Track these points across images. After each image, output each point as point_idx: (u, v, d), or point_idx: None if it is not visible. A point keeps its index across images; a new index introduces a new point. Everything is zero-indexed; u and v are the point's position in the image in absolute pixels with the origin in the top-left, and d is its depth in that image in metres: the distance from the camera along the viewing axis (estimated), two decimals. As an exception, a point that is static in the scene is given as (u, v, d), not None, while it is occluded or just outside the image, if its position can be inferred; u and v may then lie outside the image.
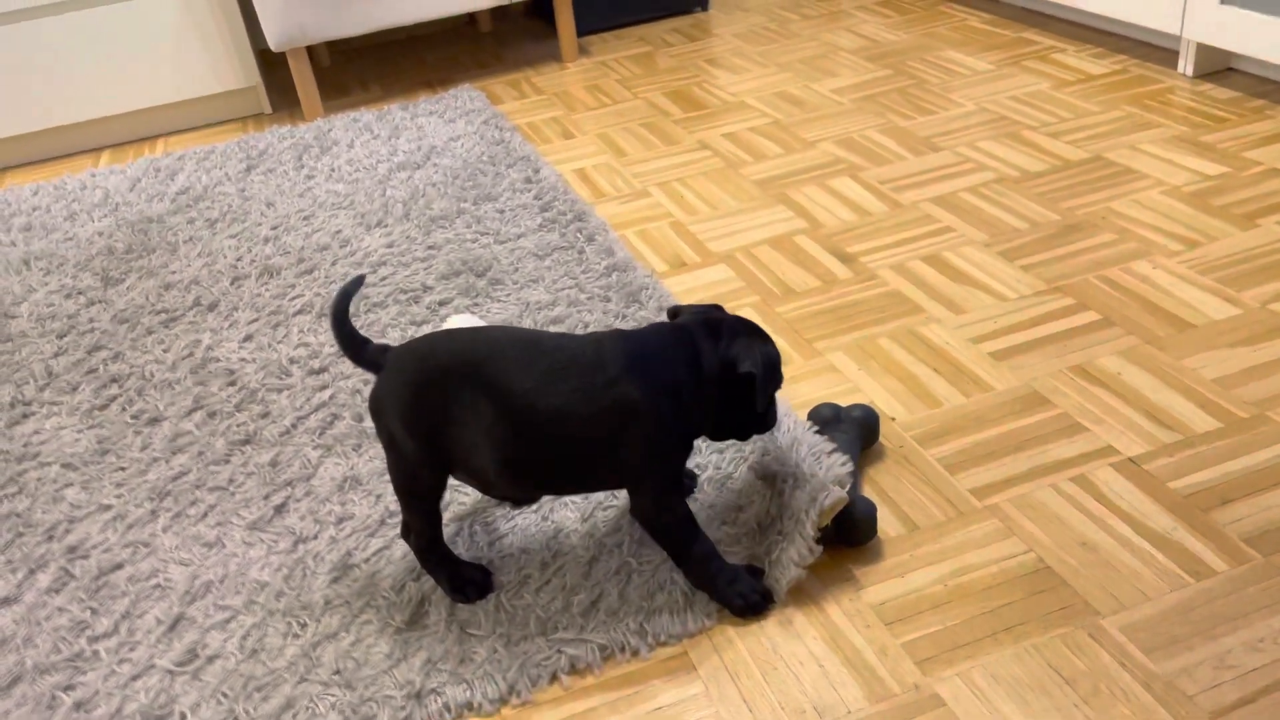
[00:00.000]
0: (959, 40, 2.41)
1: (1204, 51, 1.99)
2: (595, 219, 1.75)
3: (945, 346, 1.35)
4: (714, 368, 0.98)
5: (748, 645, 0.97)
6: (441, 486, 1.01)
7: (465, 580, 1.04)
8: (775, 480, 1.10)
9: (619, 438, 0.95)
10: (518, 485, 1.01)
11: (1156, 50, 2.17)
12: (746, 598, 0.99)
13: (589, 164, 2.03)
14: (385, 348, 1.01)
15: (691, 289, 1.55)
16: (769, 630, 0.98)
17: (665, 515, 0.98)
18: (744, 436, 1.05)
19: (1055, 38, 2.33)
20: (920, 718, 0.88)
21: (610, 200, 1.86)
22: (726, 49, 2.58)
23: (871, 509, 1.04)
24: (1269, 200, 1.56)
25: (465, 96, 2.37)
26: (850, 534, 1.04)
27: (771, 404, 1.05)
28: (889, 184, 1.78)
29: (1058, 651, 0.92)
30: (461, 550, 1.10)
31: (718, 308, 1.05)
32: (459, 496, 1.17)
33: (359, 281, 1.03)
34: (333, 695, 0.96)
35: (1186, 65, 2.02)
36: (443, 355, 0.96)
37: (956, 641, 0.94)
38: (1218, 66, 2.02)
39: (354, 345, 1.01)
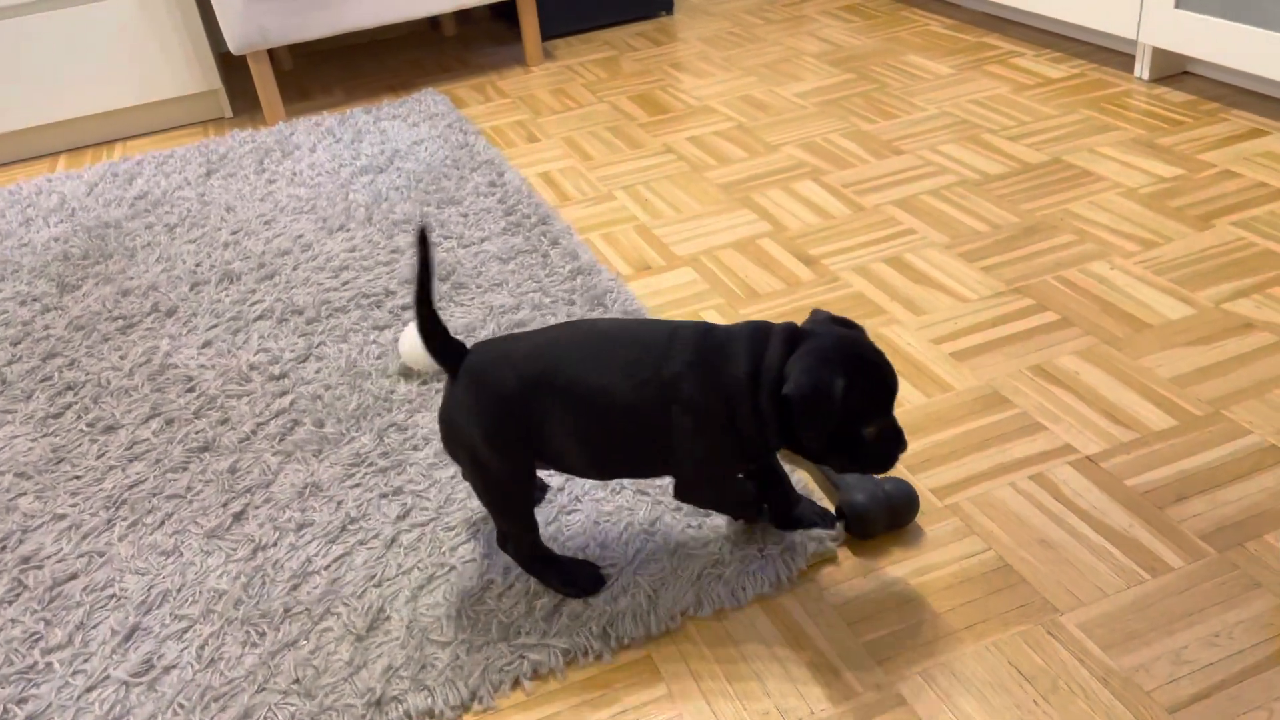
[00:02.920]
0: (921, 45, 2.43)
1: (1160, 55, 2.02)
2: (560, 223, 1.75)
3: (907, 348, 1.35)
4: (771, 381, 0.89)
5: (711, 647, 0.97)
6: (532, 491, 1.00)
7: (577, 575, 1.02)
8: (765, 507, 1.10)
9: (671, 430, 0.92)
10: (608, 475, 0.99)
11: (1113, 54, 2.20)
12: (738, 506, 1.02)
13: (554, 167, 2.02)
14: (462, 351, 0.96)
15: (656, 292, 1.55)
16: (732, 632, 0.98)
17: (693, 486, 0.98)
18: (840, 467, 0.93)
19: (1015, 42, 2.36)
20: (882, 717, 0.88)
21: (575, 204, 1.86)
22: (691, 53, 2.59)
23: (906, 493, 1.05)
24: (1223, 202, 1.59)
25: (429, 100, 2.36)
26: (876, 525, 1.04)
27: (852, 439, 0.90)
28: (852, 187, 1.79)
29: (1017, 649, 0.93)
30: (423, 555, 1.09)
31: (850, 323, 0.95)
32: (420, 501, 1.16)
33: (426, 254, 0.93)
34: (292, 704, 0.94)
35: (1143, 69, 2.05)
36: (519, 367, 0.93)
37: (918, 641, 0.95)
38: (1173, 70, 2.05)
39: (437, 336, 0.95)
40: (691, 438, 0.92)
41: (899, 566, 1.02)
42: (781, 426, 0.90)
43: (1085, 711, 0.87)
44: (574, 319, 1.00)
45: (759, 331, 0.92)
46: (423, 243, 0.90)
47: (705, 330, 0.93)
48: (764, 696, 0.91)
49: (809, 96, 2.21)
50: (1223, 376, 1.22)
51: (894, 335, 1.38)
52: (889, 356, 1.34)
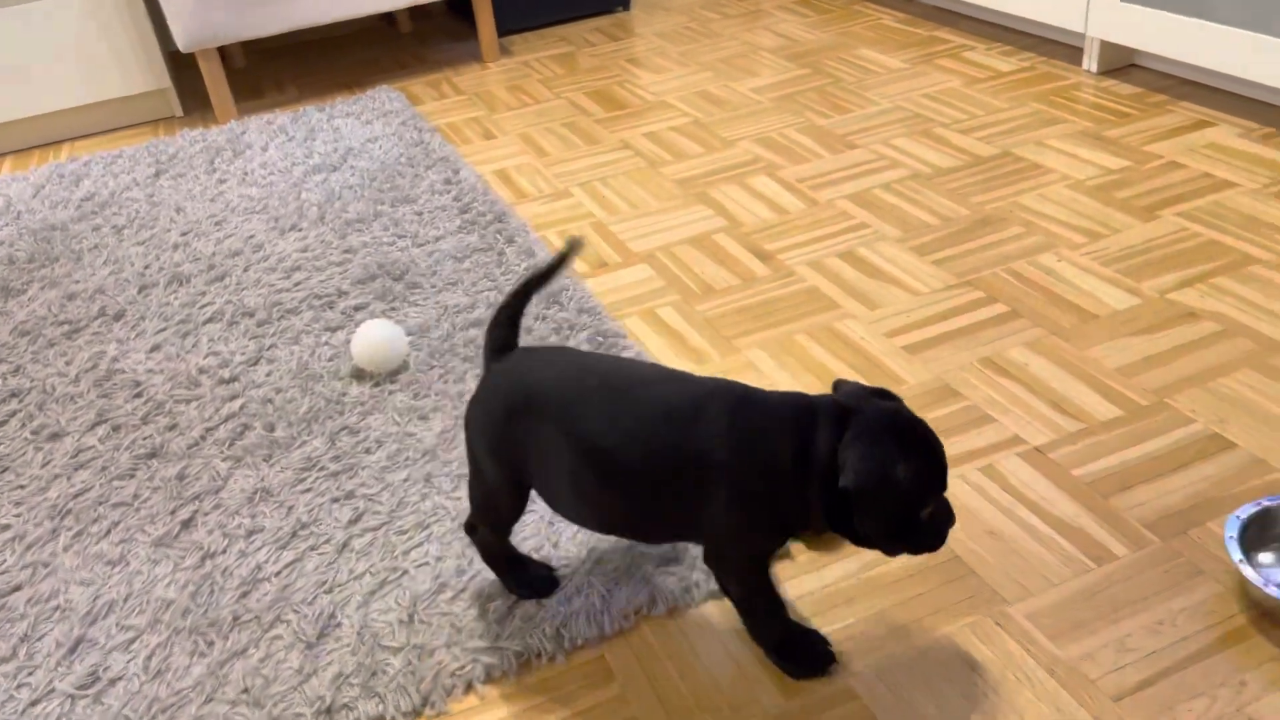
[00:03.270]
0: (874, 39, 2.44)
1: (1107, 49, 2.05)
2: (516, 220, 1.74)
3: (860, 341, 1.36)
4: (821, 466, 0.81)
5: (665, 647, 0.97)
6: (520, 511, 0.96)
7: (533, 578, 1.02)
8: None
9: (701, 504, 0.84)
10: (600, 528, 0.92)
11: (1062, 47, 2.22)
12: (800, 664, 0.92)
13: (510, 164, 2.01)
14: (507, 350, 0.94)
15: (613, 289, 1.55)
16: (686, 630, 0.98)
17: (741, 591, 0.91)
18: (890, 551, 0.85)
19: (966, 36, 2.37)
20: (833, 711, 0.89)
21: (531, 201, 1.85)
22: (648, 48, 2.58)
23: None
24: (1168, 193, 1.61)
25: (383, 97, 2.34)
26: None
27: (909, 524, 0.83)
28: (806, 182, 1.80)
29: (966, 640, 0.94)
30: (375, 560, 1.08)
31: (883, 392, 0.86)
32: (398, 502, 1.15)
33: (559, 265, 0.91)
34: (240, 714, 0.93)
35: (1091, 62, 2.07)
36: (534, 387, 0.89)
37: (869, 634, 0.95)
38: (1120, 63, 2.08)
39: (505, 331, 0.94)
40: (725, 512, 0.84)
41: (850, 561, 1.03)
42: (830, 513, 0.83)
43: (1032, 701, 0.88)
44: (605, 354, 0.97)
45: (802, 409, 0.84)
46: (563, 258, 0.92)
47: (741, 401, 0.85)
48: (717, 693, 0.92)
49: (764, 91, 2.22)
50: (1167, 366, 1.24)
51: (847, 330, 1.39)
52: (844, 350, 1.35)
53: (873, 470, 0.79)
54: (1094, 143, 1.80)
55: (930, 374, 1.28)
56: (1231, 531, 0.95)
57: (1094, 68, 2.07)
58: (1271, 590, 0.89)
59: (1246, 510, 0.97)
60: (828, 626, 0.96)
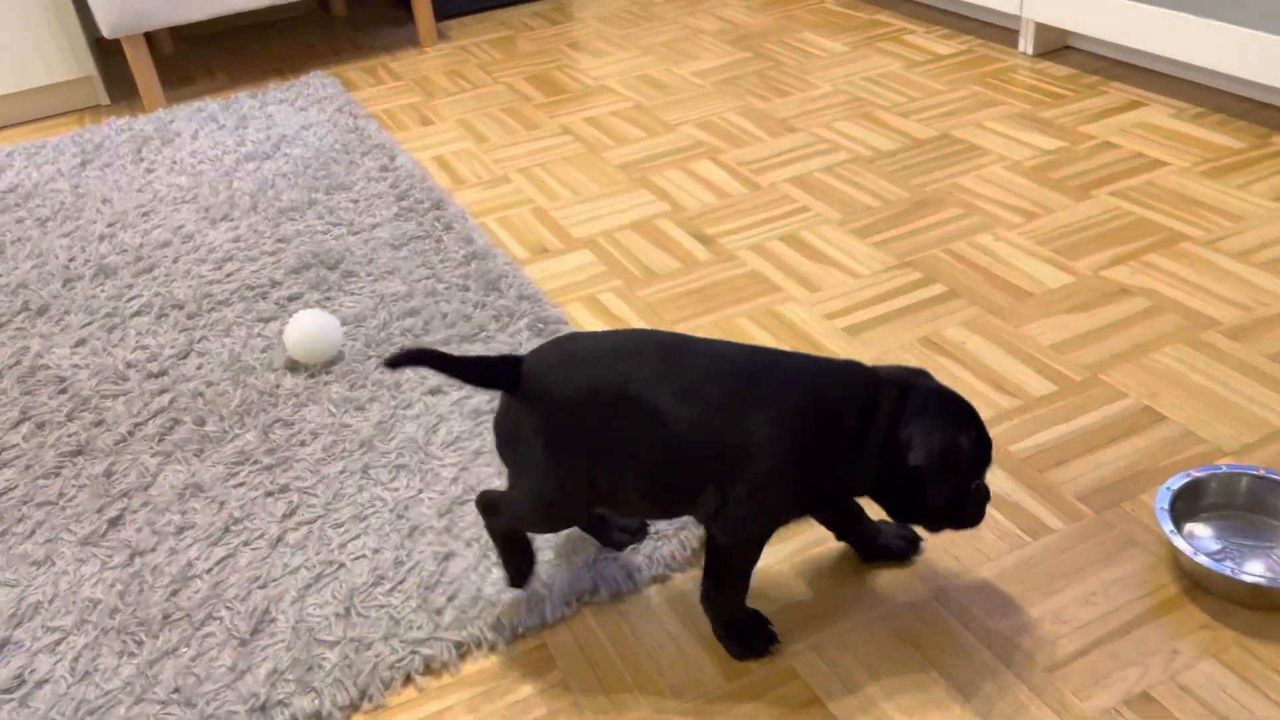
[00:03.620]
0: (815, 23, 2.44)
1: (1043, 31, 2.07)
2: (454, 207, 1.71)
3: (801, 324, 1.36)
4: (879, 445, 0.83)
5: (607, 632, 0.96)
6: (579, 522, 0.92)
7: (753, 637, 0.92)
8: None
9: (734, 470, 0.84)
10: (663, 511, 0.90)
11: (999, 30, 2.24)
12: (745, 645, 0.92)
13: (448, 150, 1.98)
14: (516, 362, 0.87)
15: (554, 275, 1.53)
16: (628, 614, 0.97)
17: (732, 560, 0.90)
18: (932, 527, 0.90)
19: (906, 19, 2.39)
20: (775, 691, 0.89)
21: (470, 187, 1.83)
22: (588, 32, 2.56)
23: None
24: (1102, 172, 1.63)
25: (318, 83, 2.29)
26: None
27: (963, 498, 0.87)
28: (748, 165, 1.80)
29: (905, 618, 0.94)
30: (311, 553, 1.06)
31: (923, 373, 0.88)
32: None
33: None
34: (172, 715, 0.91)
35: (1027, 44, 2.09)
36: (590, 377, 0.84)
37: (808, 615, 0.95)
38: (1056, 45, 2.10)
39: (481, 368, 0.86)
40: (768, 482, 0.84)
41: (789, 543, 1.03)
42: (887, 489, 0.86)
43: (970, 674, 0.88)
44: (647, 330, 0.91)
45: (869, 385, 0.85)
46: (398, 362, 0.84)
47: (803, 368, 0.85)
48: (659, 677, 0.91)
49: (706, 75, 2.21)
50: (1100, 342, 1.26)
51: (789, 313, 1.39)
52: (785, 333, 1.35)
53: (943, 445, 0.82)
54: (1030, 124, 1.82)
55: (870, 355, 1.29)
56: (1162, 503, 0.97)
57: (1030, 50, 2.09)
58: (1201, 560, 0.91)
59: (1176, 481, 0.99)
60: (768, 607, 0.96)
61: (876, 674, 0.89)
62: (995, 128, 1.82)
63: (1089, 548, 0.99)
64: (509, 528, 0.95)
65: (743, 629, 0.93)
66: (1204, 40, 1.73)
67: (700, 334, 1.36)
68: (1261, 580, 0.89)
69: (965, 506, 0.88)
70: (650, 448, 0.83)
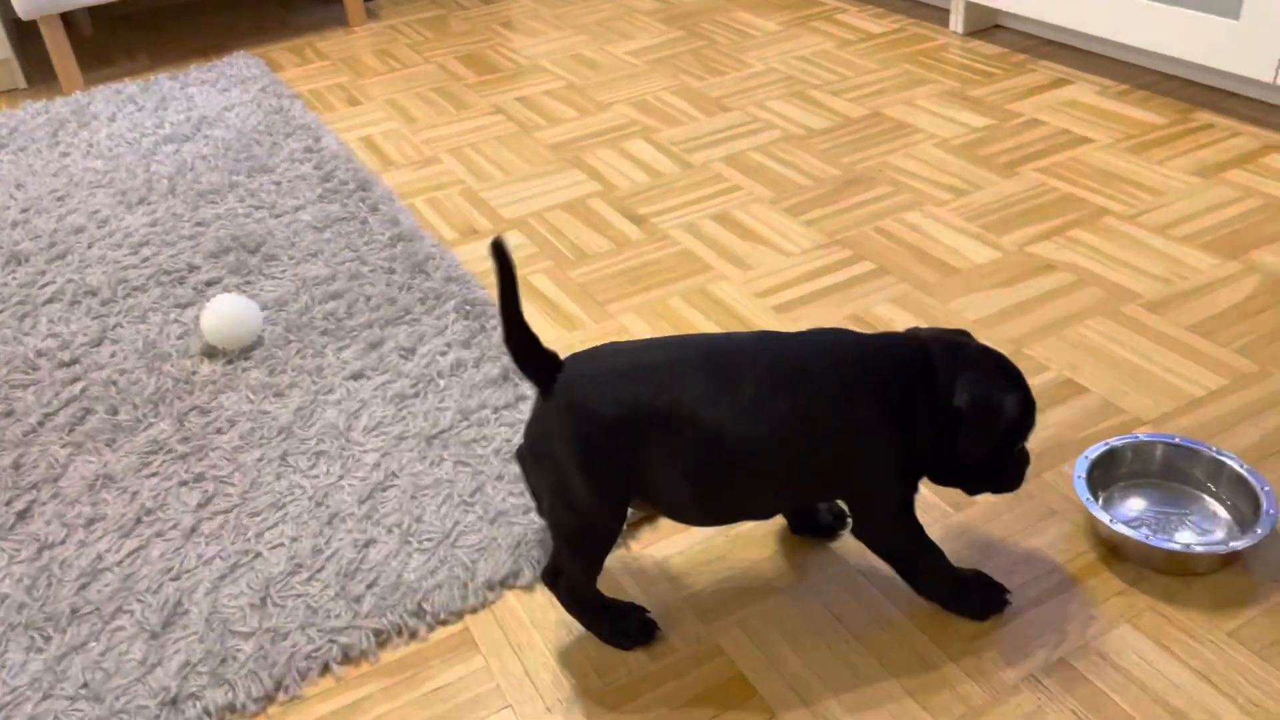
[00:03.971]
0: (749, 2, 2.43)
1: (972, 10, 2.08)
2: (381, 188, 1.68)
3: (733, 302, 1.36)
4: (945, 400, 0.82)
5: (531, 615, 0.95)
6: (617, 535, 0.87)
7: (628, 624, 0.91)
8: None
9: (845, 461, 0.82)
10: (722, 519, 0.87)
11: (930, 9, 2.25)
12: (982, 606, 0.90)
13: (376, 131, 1.94)
14: (555, 364, 0.83)
15: (483, 256, 1.51)
16: (553, 598, 0.96)
17: (898, 546, 0.88)
18: (970, 489, 0.88)
19: (840, -2, 2.39)
20: (700, 669, 0.88)
21: (398, 168, 1.79)
22: (521, 11, 2.53)
23: None
24: (1028, 149, 1.65)
25: (241, 64, 2.23)
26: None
27: (1004, 459, 0.87)
28: (681, 145, 1.78)
29: (830, 591, 0.94)
30: (226, 543, 1.03)
31: (964, 333, 0.88)
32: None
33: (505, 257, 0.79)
34: (80, 710, 0.88)
35: (957, 23, 2.11)
36: (629, 390, 0.80)
37: (734, 591, 0.95)
38: (985, 24, 2.12)
39: (526, 348, 0.81)
40: (868, 466, 0.83)
41: (718, 519, 1.02)
42: (937, 447, 0.84)
43: (893, 644, 0.88)
44: (673, 336, 0.88)
45: (915, 347, 0.84)
46: (501, 254, 0.78)
47: (847, 343, 0.84)
48: (583, 659, 0.90)
49: (640, 54, 2.19)
50: (1024, 316, 1.27)
51: (720, 291, 1.38)
52: (716, 312, 1.34)
53: (987, 396, 0.82)
54: (959, 102, 1.83)
55: (799, 331, 1.28)
56: (1080, 472, 0.98)
57: (960, 29, 2.10)
58: (1117, 527, 0.92)
59: (1094, 451, 1.00)
60: (696, 586, 0.96)
61: (801, 649, 0.89)
62: (925, 106, 1.83)
63: (1011, 519, 1.00)
64: (578, 587, 0.89)
65: (967, 589, 0.90)
66: (1129, 18, 1.75)
67: (633, 315, 1.35)
68: (1175, 546, 0.91)
69: (1007, 468, 0.87)
70: (709, 462, 0.80)
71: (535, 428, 0.84)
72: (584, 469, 0.81)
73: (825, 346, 0.84)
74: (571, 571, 0.88)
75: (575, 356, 0.84)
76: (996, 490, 0.88)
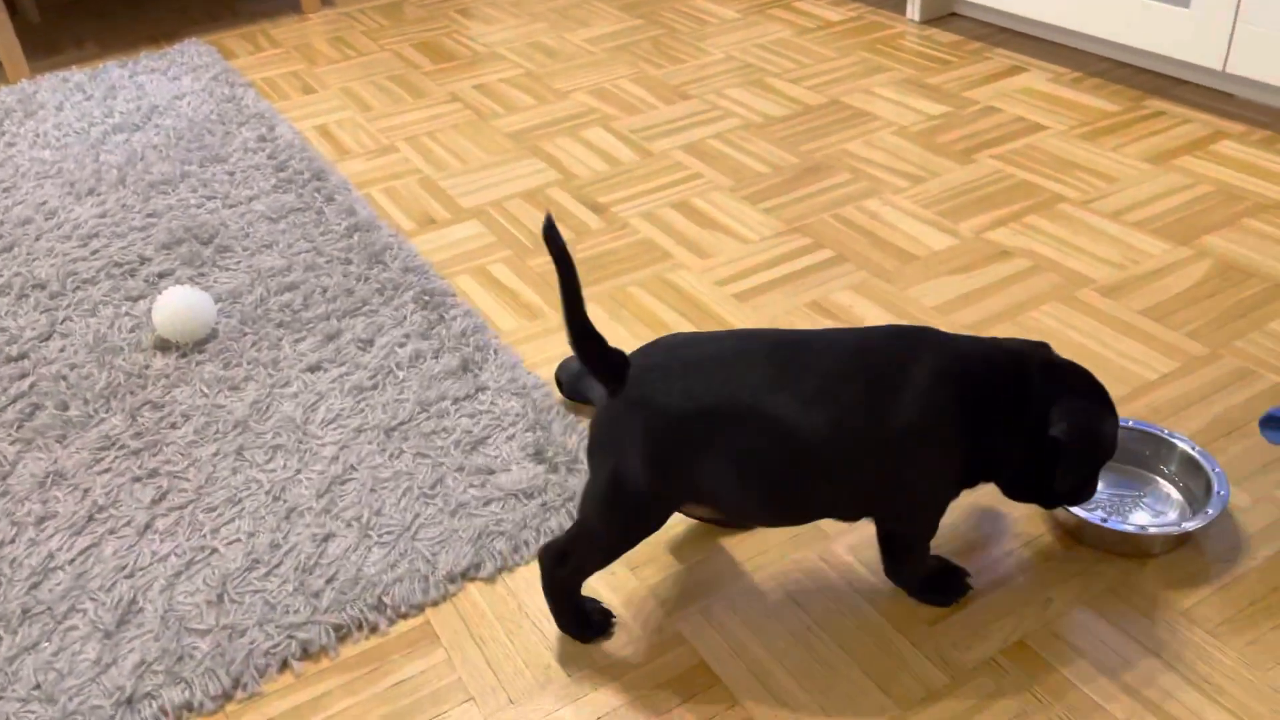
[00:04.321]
0: (708, -11, 2.43)
1: (929, -2, 2.09)
2: (336, 177, 1.65)
3: (692, 291, 1.36)
4: (1035, 421, 0.81)
5: (493, 607, 0.94)
6: (652, 533, 0.85)
7: (589, 615, 0.90)
8: (549, 459, 1.07)
9: (910, 460, 0.80)
10: (785, 517, 0.85)
11: (888, -3, 2.27)
12: (947, 594, 0.91)
13: (331, 120, 1.91)
14: (623, 361, 0.80)
15: (441, 246, 1.49)
16: (515, 589, 0.96)
17: (918, 541, 0.88)
18: (1047, 504, 0.88)
19: (798, -14, 2.39)
20: (662, 657, 0.88)
21: (354, 157, 1.77)
22: (479, -1, 2.50)
23: None
24: (984, 136, 1.66)
25: (192, 51, 2.18)
26: None
27: (1088, 480, 0.86)
28: (640, 133, 1.78)
29: (791, 578, 0.94)
30: (181, 539, 1.01)
31: (1045, 345, 0.86)
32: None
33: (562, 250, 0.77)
34: (33, 712, 0.86)
35: (914, 11, 2.12)
36: (699, 383, 0.78)
37: (695, 579, 0.95)
38: (941, 12, 2.13)
39: (593, 349, 0.79)
40: (921, 478, 0.82)
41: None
42: (1021, 468, 0.84)
43: (854, 630, 0.89)
44: (733, 330, 0.85)
45: (1015, 360, 0.83)
46: (555, 239, 0.76)
47: (941, 346, 0.82)
48: (546, 650, 0.90)
49: (599, 42, 2.18)
50: (981, 302, 1.28)
51: (680, 280, 1.38)
52: (676, 300, 1.34)
53: (1089, 428, 0.81)
54: (917, 90, 1.84)
55: (759, 319, 1.29)
56: (1036, 456, 0.99)
57: (917, 17, 2.11)
58: (1075, 510, 0.93)
59: (1050, 435, 1.01)
60: (658, 575, 0.96)
61: (763, 635, 0.89)
62: (883, 93, 1.83)
63: (970, 503, 1.00)
64: (570, 578, 0.87)
65: (934, 583, 0.90)
66: (1082, 6, 1.77)
67: (593, 304, 1.34)
68: (1130, 528, 0.92)
69: (1089, 484, 0.86)
70: (777, 460, 0.79)
71: (603, 423, 0.81)
72: (649, 464, 0.79)
73: (908, 343, 0.82)
74: (582, 564, 0.86)
75: (640, 352, 0.82)
76: (1073, 504, 0.87)
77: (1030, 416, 0.81)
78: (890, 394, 0.79)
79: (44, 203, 1.63)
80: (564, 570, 0.86)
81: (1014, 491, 0.87)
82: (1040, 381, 0.82)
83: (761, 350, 0.80)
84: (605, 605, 0.92)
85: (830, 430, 0.78)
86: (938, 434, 0.80)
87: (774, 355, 0.80)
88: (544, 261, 1.44)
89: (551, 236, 0.76)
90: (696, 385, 0.78)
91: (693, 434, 0.78)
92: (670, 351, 0.81)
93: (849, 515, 0.86)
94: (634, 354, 0.82)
